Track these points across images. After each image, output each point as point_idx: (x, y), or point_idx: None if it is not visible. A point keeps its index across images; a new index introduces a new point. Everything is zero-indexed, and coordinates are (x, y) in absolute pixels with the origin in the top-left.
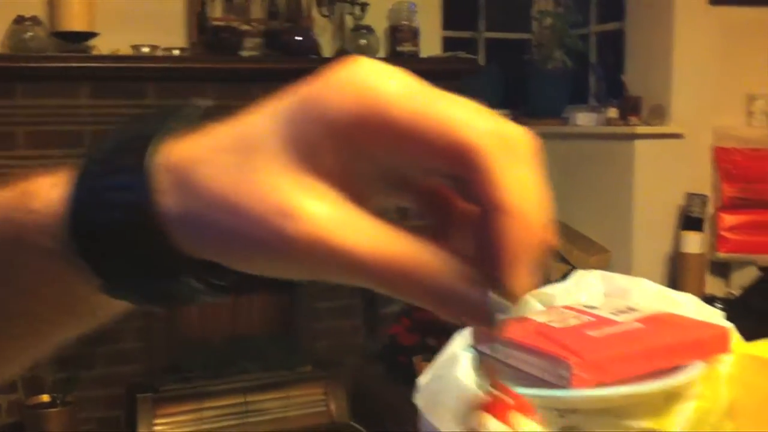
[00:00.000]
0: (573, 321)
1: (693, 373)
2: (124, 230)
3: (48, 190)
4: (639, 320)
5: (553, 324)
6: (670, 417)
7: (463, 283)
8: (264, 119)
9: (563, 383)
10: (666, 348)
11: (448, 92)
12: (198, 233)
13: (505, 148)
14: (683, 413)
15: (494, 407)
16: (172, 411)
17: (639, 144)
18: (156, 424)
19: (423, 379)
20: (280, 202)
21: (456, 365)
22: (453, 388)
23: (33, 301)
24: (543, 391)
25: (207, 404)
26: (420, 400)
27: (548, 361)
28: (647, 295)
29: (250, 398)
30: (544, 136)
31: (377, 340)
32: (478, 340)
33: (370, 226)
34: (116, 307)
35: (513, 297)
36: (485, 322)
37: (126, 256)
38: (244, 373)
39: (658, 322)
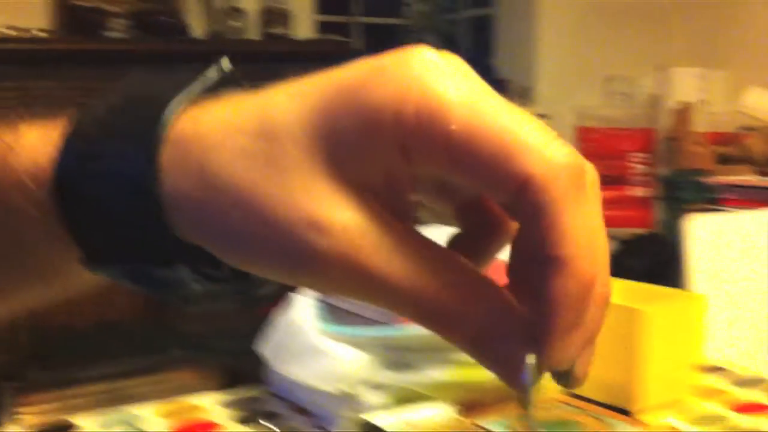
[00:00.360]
0: None
1: None
2: (116, 206)
3: (35, 148)
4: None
5: None
6: None
7: (500, 338)
8: (293, 103)
9: (393, 322)
10: None
11: (519, 107)
12: (203, 224)
13: (575, 188)
14: None
15: None
16: (36, 400)
17: None
18: (19, 413)
19: (267, 332)
20: (311, 213)
21: (293, 309)
22: (291, 331)
23: (2, 260)
24: (375, 330)
25: (73, 392)
26: (265, 351)
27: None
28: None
29: (119, 384)
30: None
31: (252, 321)
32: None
33: (411, 251)
34: (93, 280)
35: (553, 367)
36: (515, 385)
37: (115, 233)
38: (112, 358)
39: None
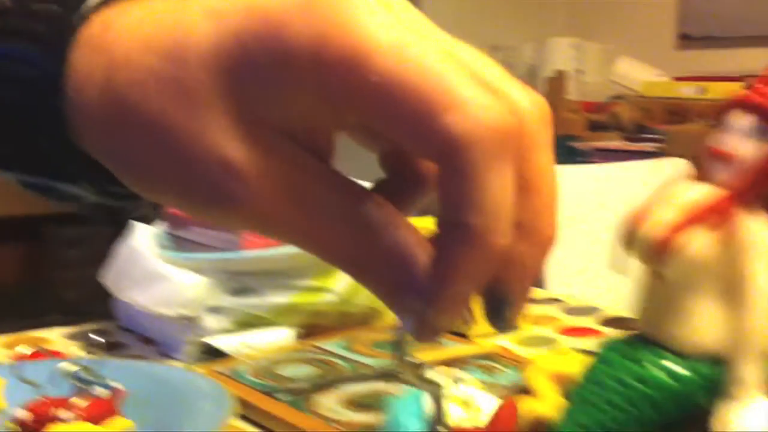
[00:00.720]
0: None
1: None
2: (17, 113)
3: None
4: None
5: None
6: (334, 276)
7: (403, 289)
8: (209, 24)
9: (234, 248)
10: None
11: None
12: (109, 147)
13: (498, 152)
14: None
15: None
16: None
17: None
18: None
19: (108, 261)
20: (223, 154)
21: (133, 236)
22: (132, 258)
23: None
24: (215, 254)
25: None
26: (107, 279)
27: (220, 230)
28: None
29: None
30: None
31: None
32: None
33: (325, 194)
34: None
35: (428, 324)
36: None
37: (14, 142)
38: None
39: None
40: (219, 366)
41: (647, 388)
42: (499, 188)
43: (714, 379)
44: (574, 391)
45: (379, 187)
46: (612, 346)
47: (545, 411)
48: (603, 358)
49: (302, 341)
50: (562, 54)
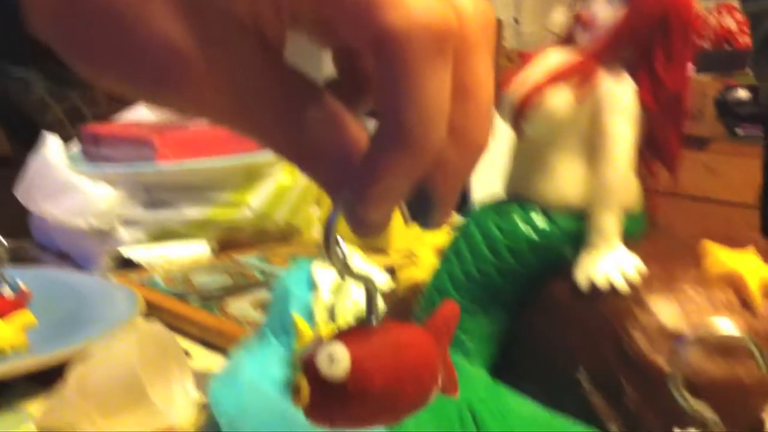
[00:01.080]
0: (168, 119)
1: (269, 156)
2: None
3: None
4: None
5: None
6: (251, 191)
7: (340, 183)
8: None
9: (149, 161)
10: None
11: None
12: (59, 29)
13: (433, 52)
14: (264, 189)
15: None
16: None
17: None
18: None
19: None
20: (170, 42)
21: (45, 148)
22: (44, 169)
23: None
24: (129, 167)
25: None
26: (19, 192)
27: (134, 145)
28: None
29: None
30: None
31: None
32: None
33: (274, 84)
34: None
35: (358, 217)
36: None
37: None
38: None
39: None
40: (133, 275)
41: (507, 239)
42: (434, 88)
43: (576, 231)
44: (447, 247)
45: (330, 85)
46: (482, 207)
47: (422, 275)
48: (473, 216)
49: (218, 255)
50: (499, 2)
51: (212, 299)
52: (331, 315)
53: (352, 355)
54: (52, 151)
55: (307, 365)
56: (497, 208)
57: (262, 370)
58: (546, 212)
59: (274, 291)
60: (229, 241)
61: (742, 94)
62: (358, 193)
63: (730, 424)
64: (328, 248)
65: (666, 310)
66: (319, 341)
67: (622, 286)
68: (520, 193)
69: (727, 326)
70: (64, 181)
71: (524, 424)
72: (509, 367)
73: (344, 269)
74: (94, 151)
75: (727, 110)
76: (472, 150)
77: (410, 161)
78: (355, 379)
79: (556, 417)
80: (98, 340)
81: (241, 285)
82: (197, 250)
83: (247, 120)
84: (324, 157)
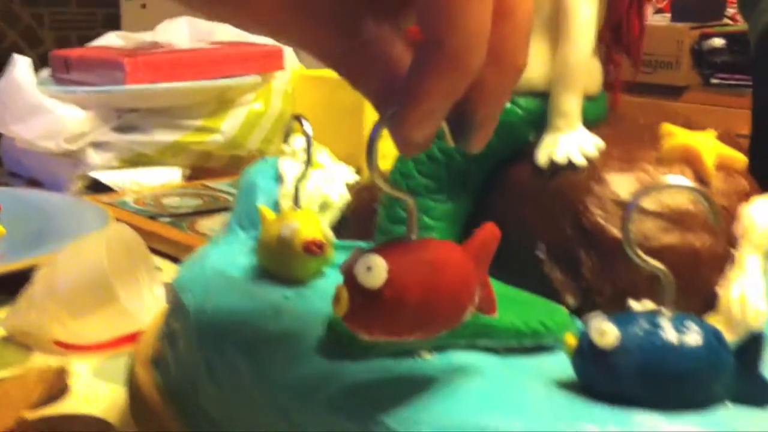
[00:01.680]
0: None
1: (242, 80)
2: None
3: None
4: (210, 44)
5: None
6: (223, 118)
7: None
8: None
9: (119, 83)
10: (220, 58)
11: None
12: None
13: None
14: (236, 115)
15: None
16: None
17: None
18: None
19: None
20: None
21: (14, 69)
22: (12, 91)
23: None
24: (98, 88)
25: None
26: None
27: (105, 67)
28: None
29: None
30: None
31: None
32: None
33: (324, 6)
34: None
35: (401, 136)
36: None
37: None
38: None
39: (224, 44)
40: (103, 198)
41: None
42: (476, 10)
43: (538, 113)
44: None
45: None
46: None
47: (388, 166)
48: None
49: (190, 181)
50: None
51: (183, 218)
52: (296, 202)
53: (390, 265)
54: (22, 72)
55: (347, 274)
56: None
57: (229, 258)
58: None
59: (240, 185)
60: (201, 169)
61: (718, 42)
62: (400, 112)
63: (684, 297)
64: (369, 161)
65: (623, 184)
66: (359, 252)
67: (581, 162)
68: None
69: (679, 180)
70: (33, 103)
71: None
72: None
73: (382, 182)
74: (65, 76)
75: (703, 59)
76: (510, 71)
77: (451, 83)
78: (392, 289)
79: (514, 288)
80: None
81: (213, 207)
82: (169, 176)
83: (305, 34)
84: (373, 73)
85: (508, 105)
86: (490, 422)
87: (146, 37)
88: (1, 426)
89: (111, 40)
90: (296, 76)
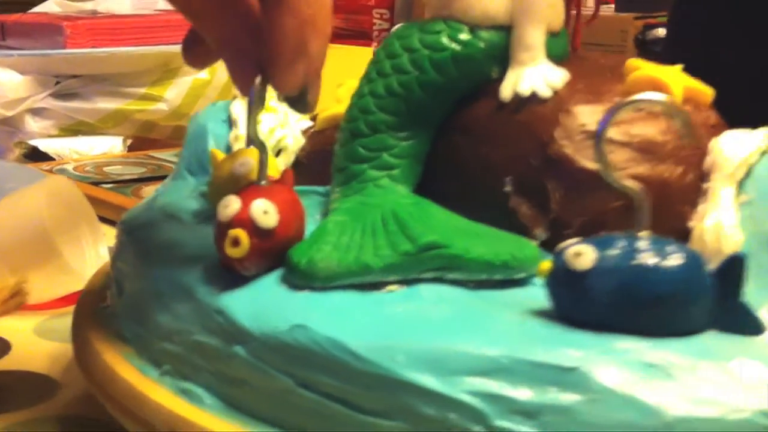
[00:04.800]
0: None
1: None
2: None
3: None
4: (154, 12)
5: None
6: (167, 86)
7: (240, 49)
8: None
9: (59, 48)
10: (164, 23)
11: None
12: None
13: None
14: (181, 84)
15: None
16: None
17: None
18: None
19: None
20: None
21: None
22: None
23: None
24: (36, 51)
25: None
26: None
27: (44, 31)
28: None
29: None
30: None
31: None
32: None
33: None
34: None
35: (282, 92)
36: (244, 94)
37: None
38: None
39: (168, 11)
40: (42, 165)
41: (430, 51)
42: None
43: (500, 47)
44: (369, 67)
45: None
46: (405, 25)
47: (337, 110)
48: (395, 34)
49: (133, 152)
50: None
51: (127, 185)
52: (249, 141)
53: (278, 207)
54: None
55: (243, 220)
56: (421, 26)
57: (178, 201)
58: (470, 28)
59: (189, 130)
60: (143, 139)
61: (661, 32)
62: (272, 69)
63: (655, 231)
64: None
65: (590, 115)
66: (233, 199)
67: (546, 93)
68: (444, 12)
69: (651, 95)
70: None
71: (447, 223)
72: (431, 192)
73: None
74: (0, 42)
75: (646, 48)
76: (323, 38)
77: (300, 25)
78: (281, 226)
79: (481, 225)
80: None
81: (158, 174)
82: (110, 145)
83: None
84: (228, 26)
85: (470, 38)
86: (467, 348)
87: (86, 5)
88: None
89: (49, 7)
90: None
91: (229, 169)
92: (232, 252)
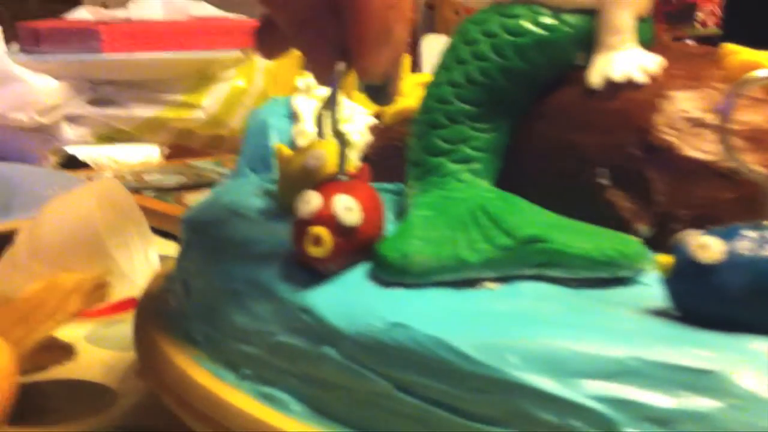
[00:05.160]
0: (113, 20)
1: (224, 55)
2: None
3: None
4: (187, 17)
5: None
6: (204, 93)
7: (318, 31)
8: None
9: (95, 53)
10: (201, 29)
11: None
12: None
13: None
14: (218, 92)
15: None
16: None
17: None
18: None
19: None
20: None
21: None
22: None
23: None
24: (72, 56)
25: None
26: None
27: (79, 36)
28: (204, 9)
29: None
30: None
31: None
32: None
33: None
34: None
35: (363, 78)
36: (322, 83)
37: None
38: None
39: (203, 19)
40: (80, 174)
41: (513, 36)
42: None
43: (586, 30)
44: (444, 57)
45: None
46: (481, 11)
47: (407, 103)
48: (471, 20)
49: (170, 160)
50: None
51: (168, 192)
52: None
53: (361, 203)
54: None
55: (325, 217)
56: (499, 10)
57: (242, 199)
58: (553, 11)
59: (248, 127)
60: (180, 148)
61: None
62: (355, 52)
63: None
64: (328, 103)
65: (693, 101)
66: (313, 194)
67: (642, 79)
68: None
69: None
70: (3, 72)
71: (541, 218)
72: (511, 186)
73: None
74: (35, 49)
75: None
76: (405, 22)
77: (385, 3)
78: (365, 224)
79: (574, 221)
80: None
81: (199, 182)
82: (147, 153)
83: None
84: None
85: (554, 22)
86: (588, 348)
87: (119, 13)
88: (36, 335)
89: (81, 14)
90: None
91: (300, 163)
92: (313, 251)
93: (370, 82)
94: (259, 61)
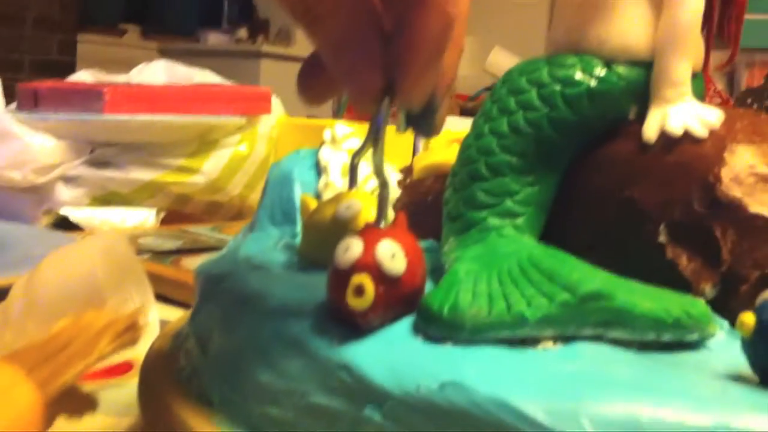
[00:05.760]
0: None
1: (226, 120)
2: None
3: None
4: (188, 85)
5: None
6: (205, 158)
7: (361, 51)
8: None
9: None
10: (204, 95)
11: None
12: None
13: None
14: (220, 157)
15: None
16: None
17: (264, 63)
18: None
19: None
20: None
21: None
22: None
23: None
24: (73, 115)
25: None
26: None
27: (81, 96)
28: (208, 77)
29: None
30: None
31: None
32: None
33: None
34: None
35: (407, 104)
36: (360, 107)
37: None
38: None
39: (207, 85)
40: (74, 236)
41: (561, 85)
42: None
43: (638, 83)
44: (486, 106)
45: None
46: (527, 61)
47: (436, 158)
48: (516, 70)
49: (166, 225)
50: None
51: (165, 256)
52: (352, 182)
53: (405, 250)
54: None
55: (368, 265)
56: (548, 59)
57: (263, 253)
58: (606, 62)
59: (270, 179)
60: (177, 213)
61: None
62: (403, 74)
63: None
64: (373, 136)
65: (758, 156)
66: (354, 241)
67: (702, 133)
68: (573, 45)
69: None
70: (1, 129)
71: (600, 273)
72: (559, 238)
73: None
74: (33, 110)
75: None
76: (458, 51)
77: (442, 27)
78: (409, 273)
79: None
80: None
81: (197, 247)
82: (143, 217)
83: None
84: (342, 25)
85: (606, 72)
86: (668, 414)
87: (120, 78)
88: (63, 378)
89: (82, 77)
90: (281, 123)
91: (331, 213)
92: (354, 303)
93: (411, 110)
94: (262, 128)
